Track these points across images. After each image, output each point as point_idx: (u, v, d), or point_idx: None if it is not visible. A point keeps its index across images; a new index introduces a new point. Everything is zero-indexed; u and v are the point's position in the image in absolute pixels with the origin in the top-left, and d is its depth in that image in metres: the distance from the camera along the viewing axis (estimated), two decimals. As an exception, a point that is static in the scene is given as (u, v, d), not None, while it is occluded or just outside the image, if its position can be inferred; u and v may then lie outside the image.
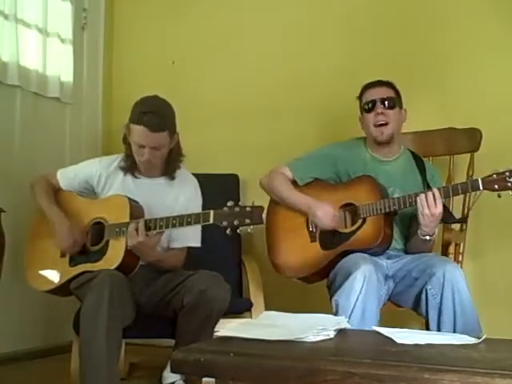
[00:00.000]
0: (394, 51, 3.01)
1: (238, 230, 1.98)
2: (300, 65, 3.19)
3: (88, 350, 1.93)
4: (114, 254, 2.16)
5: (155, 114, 2.17)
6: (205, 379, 1.59)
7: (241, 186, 3.08)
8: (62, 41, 3.25)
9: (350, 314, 2.03)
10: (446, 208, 2.20)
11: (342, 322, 1.66)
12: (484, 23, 2.84)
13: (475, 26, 2.85)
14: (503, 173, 2.04)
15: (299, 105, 3.16)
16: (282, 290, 2.76)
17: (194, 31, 3.46)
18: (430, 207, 2.11)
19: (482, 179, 2.07)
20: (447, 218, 2.26)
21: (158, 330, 2.28)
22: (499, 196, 2.05)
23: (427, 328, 2.14)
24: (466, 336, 1.53)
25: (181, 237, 2.31)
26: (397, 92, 2.42)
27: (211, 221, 2.01)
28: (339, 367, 1.23)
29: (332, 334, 1.51)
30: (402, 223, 2.36)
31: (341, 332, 1.57)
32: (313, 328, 1.49)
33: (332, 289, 2.19)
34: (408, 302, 2.25)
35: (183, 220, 2.08)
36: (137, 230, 2.10)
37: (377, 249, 2.25)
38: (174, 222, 2.09)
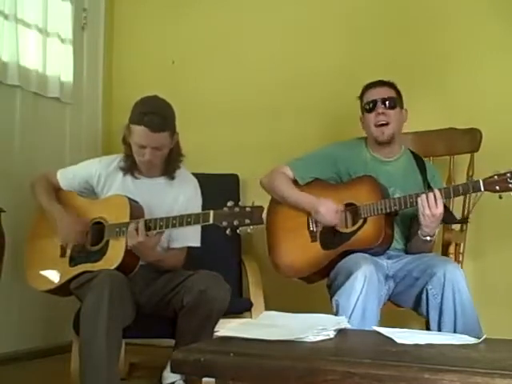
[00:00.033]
0: (394, 51, 3.01)
1: (238, 231, 1.98)
2: (300, 65, 3.19)
3: (88, 350, 1.93)
4: (114, 254, 2.16)
5: (156, 114, 2.17)
6: (205, 379, 1.59)
7: (241, 186, 3.08)
8: (62, 41, 3.26)
9: (351, 314, 2.03)
10: (447, 208, 2.20)
11: (342, 321, 1.66)
12: (484, 23, 2.84)
13: (475, 26, 2.85)
14: (504, 174, 2.04)
15: (299, 105, 3.16)
16: (282, 290, 2.76)
17: (194, 31, 3.46)
18: (430, 208, 2.11)
19: (484, 180, 2.07)
20: (448, 218, 2.26)
21: (157, 329, 2.28)
22: (500, 197, 2.05)
23: (427, 328, 2.14)
24: (466, 336, 1.53)
25: (180, 237, 2.31)
26: (398, 92, 2.42)
27: (211, 221, 2.01)
28: (339, 367, 1.23)
29: (332, 334, 1.51)
30: (402, 223, 2.36)
31: (341, 332, 1.57)
32: (313, 328, 1.49)
33: (332, 289, 2.19)
34: (408, 302, 2.25)
35: (183, 220, 2.08)
36: (137, 230, 2.10)
37: (377, 249, 2.25)
38: (174, 222, 2.09)
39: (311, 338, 1.45)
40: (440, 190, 2.14)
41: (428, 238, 2.20)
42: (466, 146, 2.63)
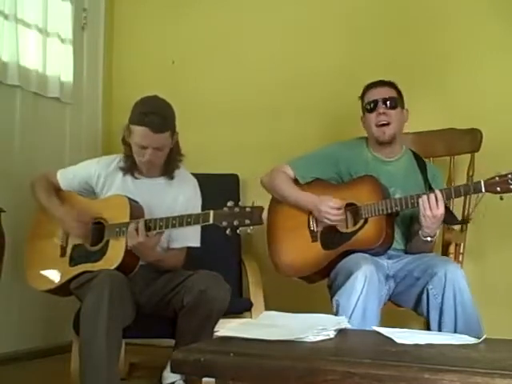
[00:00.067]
0: (394, 51, 3.01)
1: (238, 231, 1.98)
2: (300, 65, 3.19)
3: (88, 350, 1.93)
4: (114, 254, 2.16)
5: (157, 114, 2.17)
6: (205, 379, 1.59)
7: (241, 186, 3.08)
8: (62, 41, 3.25)
9: (351, 314, 2.02)
10: (448, 209, 2.20)
11: (342, 321, 1.66)
12: (484, 23, 2.84)
13: (475, 26, 2.85)
14: (506, 175, 2.04)
15: (299, 105, 3.16)
16: (282, 290, 2.76)
17: (194, 31, 3.46)
18: (431, 209, 2.11)
19: (485, 181, 2.07)
20: (449, 219, 2.26)
21: (157, 329, 2.28)
22: (501, 198, 2.05)
23: (427, 328, 2.14)
24: (466, 336, 1.54)
25: (180, 237, 2.31)
26: (399, 92, 2.42)
27: (211, 221, 2.01)
28: (339, 367, 1.23)
29: (332, 334, 1.51)
30: (403, 223, 2.36)
31: (341, 332, 1.57)
32: (313, 328, 1.49)
33: (333, 289, 2.19)
34: (409, 302, 2.25)
35: (183, 220, 2.08)
36: (137, 230, 2.10)
37: (378, 249, 2.25)
38: (174, 222, 2.09)
39: (311, 337, 1.45)
40: (441, 190, 2.14)
41: (429, 239, 2.20)
42: (467, 147, 2.63)
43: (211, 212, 2.01)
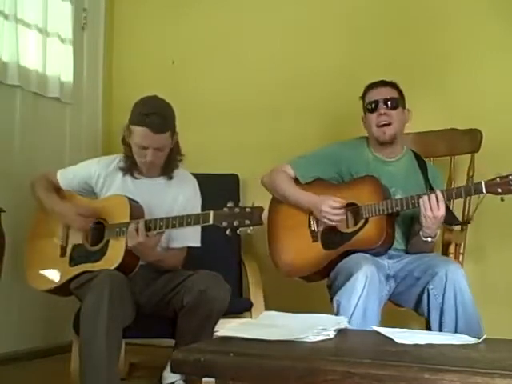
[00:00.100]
0: (394, 51, 3.01)
1: (238, 231, 1.98)
2: (300, 65, 3.19)
3: (88, 350, 1.93)
4: (114, 254, 2.16)
5: (157, 115, 2.17)
6: (205, 379, 1.59)
7: (241, 186, 3.08)
8: (62, 41, 3.25)
9: (352, 315, 2.02)
10: (448, 210, 2.20)
11: (342, 321, 1.66)
12: (484, 23, 2.84)
13: (475, 26, 2.85)
14: (507, 176, 2.03)
15: (299, 105, 3.16)
16: (282, 290, 2.76)
17: (194, 31, 3.46)
18: (432, 209, 2.11)
19: (486, 182, 2.06)
20: (450, 219, 2.26)
21: (157, 329, 2.28)
22: (502, 199, 2.05)
23: (427, 328, 2.14)
24: (466, 336, 1.54)
25: (180, 237, 2.31)
26: (400, 92, 2.42)
27: (211, 221, 2.01)
28: (339, 367, 1.23)
29: (332, 334, 1.51)
30: (403, 224, 2.36)
31: (341, 332, 1.57)
32: (313, 328, 1.49)
33: (333, 289, 2.18)
34: (409, 302, 2.25)
35: (183, 221, 2.08)
36: (137, 230, 2.10)
37: (379, 249, 2.25)
38: (174, 222, 2.09)
39: (311, 337, 1.45)
40: (442, 191, 2.14)
41: (429, 239, 2.20)
42: (467, 147, 2.63)
43: (211, 212, 2.01)
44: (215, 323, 2.08)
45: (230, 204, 1.98)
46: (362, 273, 2.05)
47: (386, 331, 1.54)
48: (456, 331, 1.99)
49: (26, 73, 3.02)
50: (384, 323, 2.02)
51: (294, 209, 2.43)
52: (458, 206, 2.51)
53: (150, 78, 3.46)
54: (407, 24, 3.01)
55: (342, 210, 2.31)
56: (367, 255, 2.19)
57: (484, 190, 2.07)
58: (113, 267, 2.12)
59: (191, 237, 2.32)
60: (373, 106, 2.38)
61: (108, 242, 2.21)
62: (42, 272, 2.34)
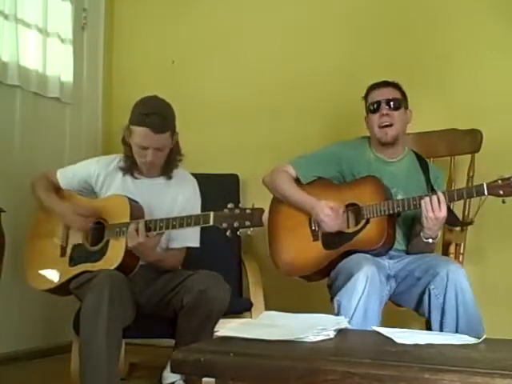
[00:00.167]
0: (394, 51, 3.01)
1: (238, 232, 1.98)
2: (300, 65, 3.19)
3: (88, 350, 1.93)
4: (114, 254, 2.16)
5: (158, 115, 2.17)
6: (205, 379, 1.59)
7: (241, 186, 3.08)
8: (62, 41, 3.25)
9: (352, 315, 2.02)
10: (450, 211, 2.19)
11: (342, 321, 1.66)
12: (484, 23, 2.84)
13: (475, 26, 2.85)
14: (508, 178, 2.03)
15: (299, 105, 3.16)
16: (282, 290, 2.76)
17: (194, 31, 3.46)
18: (434, 211, 2.10)
19: (488, 184, 2.06)
20: (452, 221, 2.26)
21: (158, 329, 2.28)
22: (504, 202, 2.04)
23: (427, 328, 2.14)
24: (466, 336, 1.54)
25: (180, 237, 2.31)
26: (403, 93, 2.42)
27: (211, 222, 2.01)
28: (339, 367, 1.23)
29: (332, 334, 1.51)
30: (404, 224, 2.36)
31: (341, 332, 1.57)
32: (313, 328, 1.49)
33: (333, 289, 2.18)
34: (409, 302, 2.25)
35: (183, 221, 2.08)
36: (137, 230, 2.10)
37: (380, 250, 2.25)
38: (174, 223, 2.09)
39: (311, 337, 1.45)
40: (443, 192, 2.14)
41: (430, 240, 2.20)
42: (467, 147, 2.63)
43: (211, 213, 2.01)
44: (215, 323, 2.08)
45: (230, 205, 1.98)
46: (363, 273, 2.05)
47: (386, 331, 1.54)
48: (457, 331, 1.98)
49: (26, 73, 3.02)
50: (384, 323, 2.02)
51: (295, 208, 2.43)
52: (458, 207, 2.50)
53: (150, 78, 3.46)
54: (407, 24, 3.01)
55: (342, 215, 2.30)
56: (368, 255, 2.19)
57: (486, 192, 2.06)
58: (113, 267, 2.12)
59: (190, 237, 2.33)
60: (375, 106, 2.38)
61: (108, 242, 2.21)
62: (41, 272, 2.34)
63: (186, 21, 3.48)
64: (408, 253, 2.36)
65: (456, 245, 2.50)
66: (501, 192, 2.04)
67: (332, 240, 2.32)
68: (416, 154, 2.51)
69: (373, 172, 2.37)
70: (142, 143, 2.20)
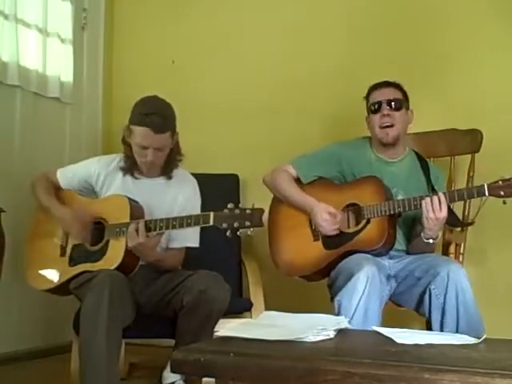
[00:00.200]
0: (394, 51, 3.01)
1: (238, 233, 1.98)
2: (300, 65, 3.19)
3: (88, 350, 1.93)
4: (114, 254, 2.16)
5: (158, 114, 2.17)
6: (205, 379, 1.59)
7: (241, 186, 3.08)
8: (62, 41, 3.25)
9: (353, 315, 2.02)
10: (451, 211, 2.19)
11: (342, 321, 1.66)
12: (484, 23, 2.84)
13: (475, 26, 2.85)
14: (509, 179, 2.03)
15: (299, 105, 3.16)
16: (282, 290, 2.76)
17: (194, 31, 3.46)
18: (434, 211, 2.10)
19: (488, 185, 2.06)
20: (453, 221, 2.25)
21: (158, 329, 2.27)
22: (504, 202, 2.04)
23: (428, 328, 2.14)
24: (466, 336, 1.54)
25: (180, 237, 2.31)
26: (404, 93, 2.41)
27: (211, 223, 2.01)
28: (339, 367, 1.23)
29: (332, 334, 1.51)
30: (404, 224, 2.36)
31: (341, 332, 1.57)
32: (313, 328, 1.49)
33: (333, 289, 2.18)
34: (410, 302, 2.25)
35: (183, 221, 2.08)
36: (137, 230, 2.10)
37: (380, 250, 2.25)
38: (174, 223, 2.09)
39: (311, 337, 1.45)
40: (444, 193, 2.14)
41: (431, 241, 2.20)
42: (467, 147, 2.63)
43: (211, 214, 2.01)
44: (215, 323, 2.08)
45: (230, 205, 1.98)
46: (364, 273, 2.05)
47: (386, 331, 1.54)
48: (457, 331, 1.98)
49: (26, 73, 3.02)
50: (384, 323, 2.02)
51: (295, 208, 2.43)
52: (457, 207, 2.50)
53: (150, 78, 3.46)
54: (407, 24, 3.01)
55: (339, 218, 2.29)
56: (368, 255, 2.19)
57: (487, 193, 2.06)
58: (113, 267, 2.12)
59: (190, 237, 2.33)
60: (376, 106, 2.38)
61: (108, 242, 2.21)
62: (41, 272, 2.34)
63: (185, 21, 3.48)
64: (408, 253, 2.36)
65: (456, 245, 2.50)
66: (501, 193, 2.04)
67: (332, 240, 2.32)
68: (417, 154, 2.51)
69: (373, 172, 2.37)
70: (142, 143, 2.20)
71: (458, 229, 2.56)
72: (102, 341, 1.90)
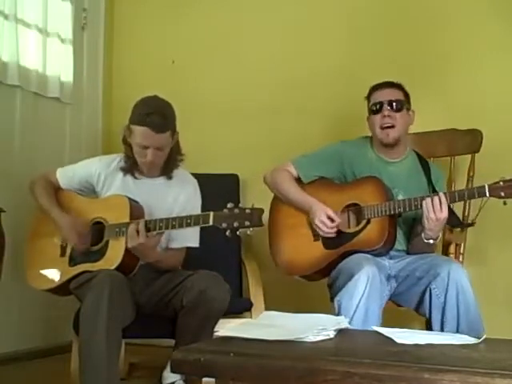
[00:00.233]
0: (394, 51, 3.01)
1: (238, 232, 1.98)
2: (300, 65, 3.19)
3: (88, 350, 1.93)
4: (114, 254, 2.16)
5: (158, 114, 2.17)
6: (205, 379, 1.59)
7: (241, 186, 3.08)
8: (62, 41, 3.25)
9: (353, 315, 2.02)
10: (452, 212, 2.19)
11: (342, 321, 1.66)
12: (484, 23, 2.84)
13: (475, 26, 2.85)
14: (510, 180, 2.03)
15: (299, 105, 3.16)
16: (282, 290, 2.76)
17: (194, 31, 3.46)
18: (435, 212, 2.10)
19: (489, 186, 2.06)
20: (453, 222, 2.25)
21: (158, 329, 2.27)
22: (505, 203, 2.04)
23: (428, 328, 2.14)
24: (466, 336, 1.54)
25: (180, 237, 2.30)
26: (405, 93, 2.41)
27: (211, 222, 2.01)
28: (339, 367, 1.23)
29: (332, 334, 1.51)
30: (404, 225, 2.36)
31: (341, 332, 1.57)
32: (313, 328, 1.49)
33: (333, 289, 2.18)
34: (410, 302, 2.24)
35: (183, 221, 2.08)
36: (137, 231, 2.10)
37: (381, 250, 2.24)
38: (174, 223, 2.09)
39: (311, 337, 1.45)
40: (445, 194, 2.14)
41: (431, 241, 2.20)
42: (467, 147, 2.62)
43: (211, 213, 2.01)
44: (215, 323, 2.08)
45: (229, 205, 1.98)
46: (364, 273, 2.04)
47: (386, 331, 1.54)
48: (458, 330, 1.99)
49: (26, 73, 3.02)
50: (384, 323, 2.02)
51: (296, 208, 2.43)
52: (457, 207, 2.50)
53: (150, 78, 3.46)
54: (407, 24, 3.01)
55: (335, 226, 2.30)
56: (368, 255, 2.19)
57: (487, 194, 2.06)
58: (113, 267, 2.12)
59: (190, 237, 2.32)
60: (377, 107, 2.37)
61: (108, 242, 2.21)
62: (41, 272, 2.34)
63: (186, 21, 3.48)
64: (408, 253, 2.36)
65: (456, 245, 2.49)
66: (502, 194, 2.03)
67: (333, 240, 2.32)
68: (418, 154, 2.50)
69: (374, 172, 2.37)
70: (142, 143, 2.20)
71: (458, 229, 2.56)
72: (102, 341, 1.90)
